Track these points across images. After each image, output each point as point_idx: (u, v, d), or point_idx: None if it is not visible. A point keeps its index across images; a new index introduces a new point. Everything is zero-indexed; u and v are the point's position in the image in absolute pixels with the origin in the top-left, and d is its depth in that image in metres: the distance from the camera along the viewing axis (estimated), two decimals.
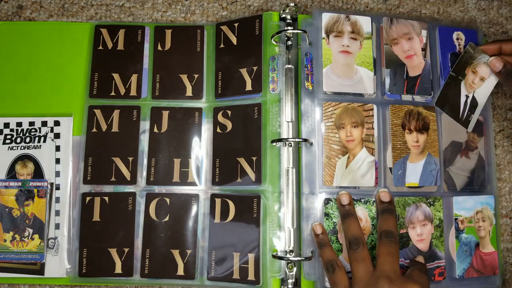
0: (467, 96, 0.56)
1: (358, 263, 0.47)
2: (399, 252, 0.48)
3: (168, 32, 0.59)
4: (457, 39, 0.58)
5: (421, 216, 0.53)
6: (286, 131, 0.54)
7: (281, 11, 0.57)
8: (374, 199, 0.52)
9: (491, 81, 0.56)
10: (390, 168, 0.53)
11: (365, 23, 0.56)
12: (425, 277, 0.48)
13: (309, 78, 0.54)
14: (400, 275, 0.46)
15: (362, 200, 0.52)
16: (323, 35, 0.55)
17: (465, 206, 0.54)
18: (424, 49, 0.56)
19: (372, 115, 0.54)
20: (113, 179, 0.55)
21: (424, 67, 0.56)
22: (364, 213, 0.52)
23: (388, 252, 0.46)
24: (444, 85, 0.56)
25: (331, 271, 0.48)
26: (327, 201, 0.52)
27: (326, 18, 0.55)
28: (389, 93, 0.55)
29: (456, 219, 0.54)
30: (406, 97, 0.55)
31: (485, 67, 0.56)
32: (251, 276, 0.52)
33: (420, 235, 0.53)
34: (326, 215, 0.52)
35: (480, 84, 0.56)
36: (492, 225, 0.55)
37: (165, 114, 0.56)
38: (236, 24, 0.58)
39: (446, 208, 0.54)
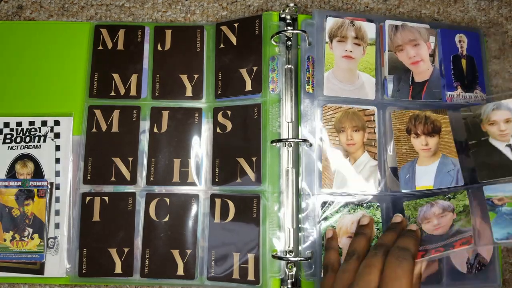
0: (509, 145, 0.52)
1: (342, 273, 0.46)
2: (357, 269, 0.46)
3: (168, 32, 0.59)
4: (459, 41, 0.58)
5: (439, 210, 0.51)
6: (286, 132, 0.54)
7: (281, 11, 0.57)
8: (378, 204, 0.52)
9: None
10: (393, 168, 0.53)
11: (369, 29, 0.56)
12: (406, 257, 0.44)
13: (310, 81, 0.54)
14: None
15: (365, 204, 0.52)
16: (327, 39, 0.55)
17: (502, 189, 0.50)
18: (432, 55, 0.56)
19: (373, 120, 0.54)
20: (113, 179, 0.55)
21: (432, 72, 0.56)
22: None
23: (342, 269, 0.46)
24: (474, 159, 0.52)
25: (324, 273, 0.49)
26: (325, 204, 0.52)
27: (331, 22, 0.55)
28: (389, 97, 0.55)
29: (488, 199, 0.49)
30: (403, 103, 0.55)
31: (498, 111, 0.52)
32: (250, 276, 0.52)
33: (437, 224, 0.50)
34: (324, 218, 0.52)
35: (510, 125, 0.52)
36: None
37: (165, 114, 0.56)
38: (236, 24, 0.58)
39: (474, 195, 0.50)
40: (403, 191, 0.52)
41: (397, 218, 0.51)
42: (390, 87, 0.55)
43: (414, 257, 0.45)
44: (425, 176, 0.53)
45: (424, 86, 0.56)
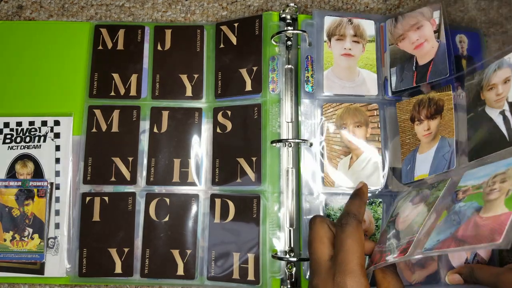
0: (502, 112, 0.44)
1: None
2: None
3: (168, 32, 0.59)
4: (460, 41, 0.58)
5: (418, 200, 0.47)
6: (286, 132, 0.54)
7: (281, 11, 0.57)
8: (380, 200, 0.52)
9: None
10: (393, 168, 0.53)
11: (368, 26, 0.56)
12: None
13: (309, 80, 0.54)
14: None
15: (367, 201, 0.52)
16: (325, 38, 0.55)
17: (478, 175, 0.43)
18: (437, 31, 0.54)
19: (377, 115, 0.54)
20: (113, 179, 0.55)
21: (438, 49, 0.53)
22: (368, 215, 0.52)
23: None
24: (468, 136, 0.47)
25: (345, 219, 0.44)
26: (328, 202, 0.52)
27: (329, 21, 0.55)
28: (391, 94, 0.54)
29: (457, 191, 0.43)
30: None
31: (500, 71, 0.45)
32: (250, 276, 0.52)
33: (404, 217, 0.47)
34: (327, 216, 0.52)
35: (507, 87, 0.44)
36: None
37: (165, 114, 0.56)
38: (236, 24, 0.58)
39: (450, 185, 0.45)
40: (403, 183, 0.52)
41: (359, 184, 0.48)
42: (393, 79, 0.54)
43: (358, 218, 0.43)
44: (423, 164, 0.50)
45: (429, 67, 0.53)
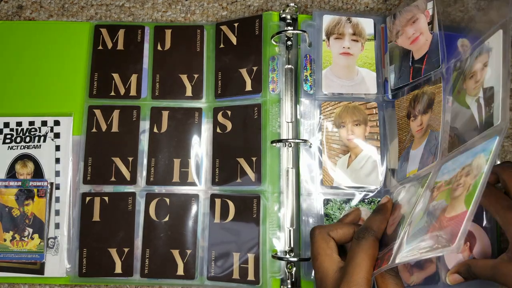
0: (477, 100, 0.41)
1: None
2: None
3: (168, 32, 0.59)
4: (462, 45, 0.57)
5: (404, 200, 0.46)
6: (286, 132, 0.54)
7: (281, 11, 0.57)
8: (379, 199, 0.52)
9: (496, 54, 0.40)
10: (392, 170, 0.53)
11: (367, 24, 0.56)
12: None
13: (308, 79, 0.54)
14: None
15: (366, 200, 0.52)
16: (324, 37, 0.55)
17: (453, 167, 0.40)
18: (430, 22, 0.53)
19: (376, 113, 0.54)
20: (113, 179, 0.55)
21: (431, 41, 0.52)
22: (367, 214, 0.52)
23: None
24: (451, 121, 0.44)
25: (362, 234, 0.43)
26: (327, 202, 0.52)
27: (327, 20, 0.55)
28: (391, 94, 0.54)
29: (433, 187, 0.41)
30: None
31: (480, 56, 0.43)
32: (250, 276, 0.52)
33: (392, 219, 0.46)
34: (326, 215, 0.52)
35: (485, 72, 0.41)
36: (478, 176, 0.35)
37: (165, 114, 0.56)
38: (236, 24, 0.58)
39: (430, 180, 0.44)
40: (397, 181, 0.51)
41: (384, 199, 0.48)
42: (392, 77, 0.54)
43: (375, 234, 0.43)
44: (414, 159, 0.49)
45: (423, 60, 0.52)
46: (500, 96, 0.38)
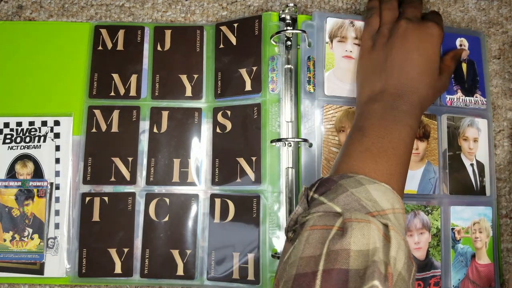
0: (472, 165, 0.55)
1: (387, 11, 0.51)
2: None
3: (168, 33, 0.59)
4: (460, 45, 0.58)
5: (419, 224, 0.53)
6: (286, 131, 0.54)
7: (281, 11, 0.57)
8: None
9: (483, 137, 0.56)
10: None
11: None
12: (441, 21, 0.50)
13: (311, 81, 0.54)
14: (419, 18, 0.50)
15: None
16: (327, 39, 0.55)
17: (462, 216, 0.54)
18: None
19: None
20: (112, 179, 0.55)
21: None
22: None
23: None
24: (449, 168, 0.54)
25: (369, 15, 0.53)
26: None
27: (331, 23, 0.55)
28: None
29: (453, 229, 0.53)
30: None
31: (471, 128, 0.55)
32: (250, 276, 0.52)
33: (417, 243, 0.52)
34: None
35: (476, 146, 0.55)
36: (489, 237, 0.54)
37: (165, 114, 0.56)
38: (235, 25, 0.58)
39: (444, 218, 0.54)
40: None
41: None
42: None
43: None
44: (412, 180, 0.53)
45: None
46: (488, 175, 0.55)
